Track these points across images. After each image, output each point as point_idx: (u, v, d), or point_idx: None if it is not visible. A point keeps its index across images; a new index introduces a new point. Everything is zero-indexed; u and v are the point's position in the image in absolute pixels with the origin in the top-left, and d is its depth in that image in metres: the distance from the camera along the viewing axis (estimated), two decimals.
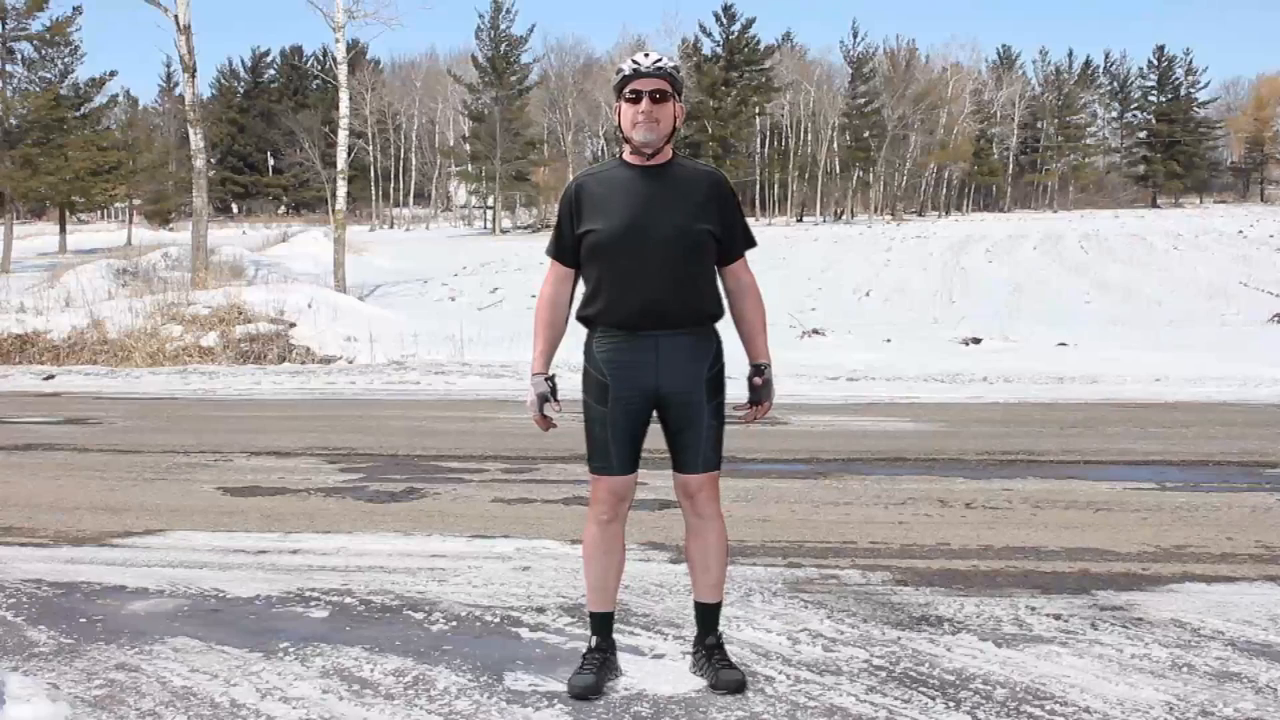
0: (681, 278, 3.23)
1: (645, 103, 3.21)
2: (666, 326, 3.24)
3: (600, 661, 3.41)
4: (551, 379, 3.40)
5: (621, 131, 3.29)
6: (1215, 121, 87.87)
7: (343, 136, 24.05)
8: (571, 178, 3.47)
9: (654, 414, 3.35)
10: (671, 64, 3.27)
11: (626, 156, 3.31)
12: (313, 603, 4.29)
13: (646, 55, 3.30)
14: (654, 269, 3.20)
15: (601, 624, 3.47)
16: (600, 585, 3.43)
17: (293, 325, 15.39)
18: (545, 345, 3.40)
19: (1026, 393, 10.94)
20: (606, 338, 3.29)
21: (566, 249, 3.35)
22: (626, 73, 3.26)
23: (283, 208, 77.69)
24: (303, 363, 14.43)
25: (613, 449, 3.30)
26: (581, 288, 3.39)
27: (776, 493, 6.26)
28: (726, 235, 3.32)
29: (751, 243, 3.42)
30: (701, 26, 73.20)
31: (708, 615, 3.47)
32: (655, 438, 3.40)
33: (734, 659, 3.49)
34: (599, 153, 68.35)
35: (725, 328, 3.38)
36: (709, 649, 3.44)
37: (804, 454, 7.51)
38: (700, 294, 3.29)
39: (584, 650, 3.49)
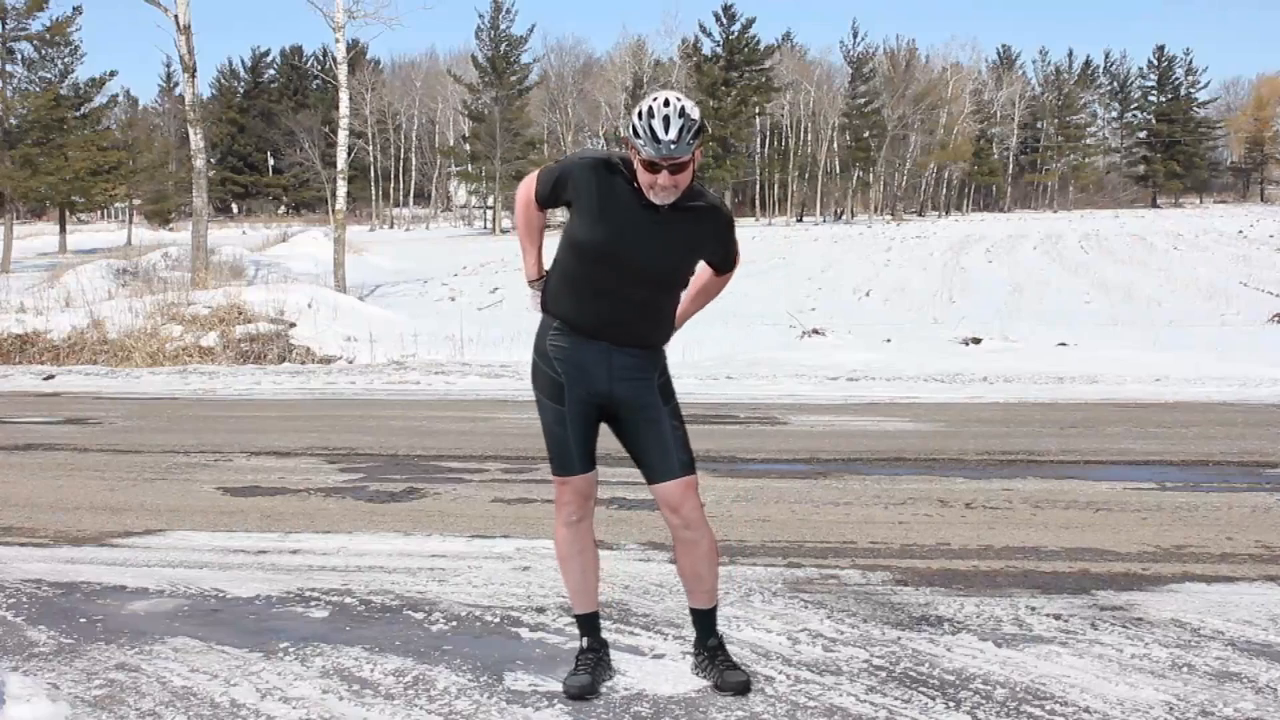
0: (647, 307, 3.24)
1: (664, 176, 3.02)
2: (619, 343, 3.24)
3: (594, 661, 3.41)
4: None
5: (636, 179, 3.08)
6: (1215, 121, 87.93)
7: (343, 136, 24.05)
8: (591, 152, 3.27)
9: (604, 425, 3.34)
10: (695, 125, 2.97)
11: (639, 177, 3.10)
12: (313, 603, 4.29)
13: (668, 121, 2.94)
14: (624, 293, 3.18)
15: (589, 624, 3.47)
16: (581, 587, 3.43)
17: (293, 325, 15.39)
18: (538, 251, 3.42)
19: (1026, 393, 10.93)
20: (561, 336, 3.27)
21: (549, 200, 3.30)
22: (648, 152, 2.96)
23: (283, 208, 77.70)
24: (303, 363, 14.42)
25: (574, 448, 3.30)
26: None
27: (776, 493, 6.26)
28: (719, 259, 3.37)
29: (736, 263, 3.42)
30: (701, 26, 73.37)
31: (705, 620, 3.46)
32: None
33: (734, 659, 3.49)
34: None
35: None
36: (711, 650, 3.43)
37: (804, 454, 7.50)
38: (658, 324, 3.30)
39: (576, 652, 3.49)
